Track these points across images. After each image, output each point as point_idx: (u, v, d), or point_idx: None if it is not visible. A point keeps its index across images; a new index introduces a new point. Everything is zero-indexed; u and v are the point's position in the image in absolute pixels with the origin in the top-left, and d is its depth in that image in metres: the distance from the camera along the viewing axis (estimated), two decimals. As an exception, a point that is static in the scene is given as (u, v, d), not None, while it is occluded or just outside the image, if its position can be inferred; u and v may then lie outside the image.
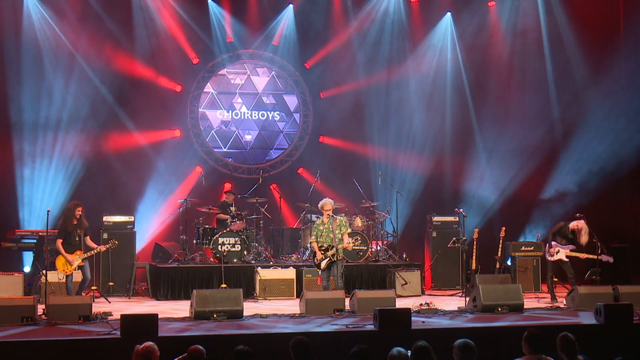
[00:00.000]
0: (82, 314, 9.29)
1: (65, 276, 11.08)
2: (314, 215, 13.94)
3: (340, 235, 10.99)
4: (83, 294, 11.43)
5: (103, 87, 14.81)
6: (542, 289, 13.80)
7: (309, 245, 11.31)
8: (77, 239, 11.06)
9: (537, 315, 10.03)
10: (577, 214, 12.73)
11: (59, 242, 11.05)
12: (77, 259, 10.97)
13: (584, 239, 12.00)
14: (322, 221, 11.19)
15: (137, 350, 6.07)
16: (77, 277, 11.62)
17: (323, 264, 10.93)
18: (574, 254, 12.07)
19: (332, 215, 11.15)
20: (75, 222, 11.11)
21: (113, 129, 14.98)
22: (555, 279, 13.39)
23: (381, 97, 16.54)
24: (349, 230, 11.41)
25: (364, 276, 13.26)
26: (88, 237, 11.29)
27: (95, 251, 11.23)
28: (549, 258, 12.24)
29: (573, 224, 12.13)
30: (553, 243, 12.17)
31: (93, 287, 12.29)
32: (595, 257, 11.98)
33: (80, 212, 11.17)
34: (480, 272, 12.77)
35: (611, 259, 12.10)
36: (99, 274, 13.03)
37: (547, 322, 9.24)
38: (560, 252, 12.09)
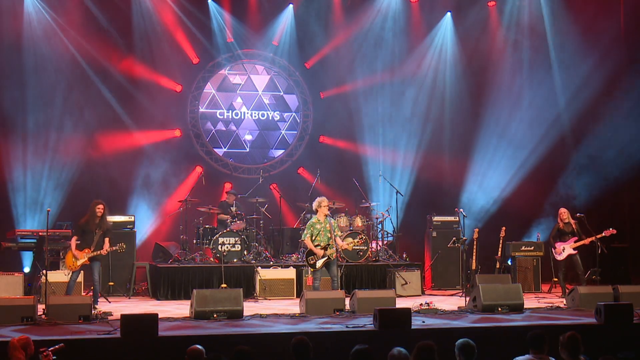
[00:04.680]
0: (82, 314, 9.28)
1: (70, 273, 11.05)
2: (314, 215, 13.93)
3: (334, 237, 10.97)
4: (84, 294, 11.43)
5: (103, 86, 14.82)
6: (542, 289, 13.83)
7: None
8: (94, 237, 10.96)
9: (537, 316, 10.02)
10: (577, 214, 12.82)
11: (74, 239, 11.02)
12: (83, 256, 10.92)
13: (572, 221, 12.76)
14: (319, 220, 11.12)
15: (14, 342, 6.24)
16: (81, 277, 11.59)
17: (319, 264, 10.91)
18: (579, 243, 12.63)
19: (329, 215, 11.16)
20: (96, 222, 11.04)
21: (113, 128, 14.98)
22: (556, 279, 13.44)
23: (381, 97, 16.53)
24: (340, 234, 11.44)
25: (364, 276, 13.26)
26: (107, 239, 11.10)
27: (102, 252, 11.09)
28: (559, 258, 12.82)
29: (561, 216, 12.83)
30: (556, 244, 12.62)
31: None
32: (600, 235, 12.42)
33: (100, 210, 11.06)
34: (480, 272, 12.79)
35: (614, 231, 12.61)
36: (99, 274, 12.99)
37: (547, 322, 9.23)
38: (566, 249, 12.64)
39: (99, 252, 10.98)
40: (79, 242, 10.99)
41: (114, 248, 11.17)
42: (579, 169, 15.71)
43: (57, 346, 6.50)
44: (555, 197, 15.64)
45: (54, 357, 6.29)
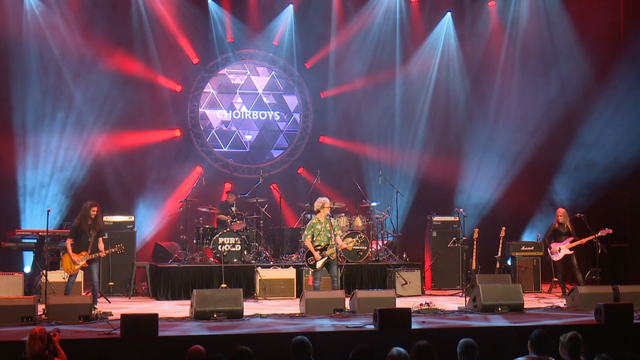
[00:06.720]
0: (82, 314, 9.29)
1: (68, 276, 11.04)
2: (314, 216, 13.93)
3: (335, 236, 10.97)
4: (84, 293, 11.40)
5: (103, 86, 14.81)
6: (542, 289, 13.83)
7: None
8: (89, 239, 10.92)
9: (537, 316, 10.02)
10: (577, 214, 12.82)
11: (69, 241, 10.91)
12: (81, 259, 10.89)
13: (568, 222, 12.76)
14: (319, 220, 11.13)
15: (34, 332, 6.52)
16: (80, 277, 11.60)
17: (320, 264, 10.90)
18: (575, 243, 12.57)
19: (329, 215, 11.17)
20: (90, 222, 10.99)
21: (113, 128, 14.96)
22: (556, 279, 13.44)
23: (381, 97, 16.54)
24: (340, 233, 11.45)
25: (364, 276, 13.26)
26: (101, 239, 11.08)
27: (101, 254, 11.04)
28: (555, 258, 12.76)
29: (557, 217, 12.77)
30: (552, 245, 12.59)
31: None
32: (596, 235, 12.42)
33: (95, 212, 11.00)
34: (480, 272, 12.79)
35: (610, 230, 12.55)
36: (99, 274, 12.99)
37: (547, 322, 9.23)
38: (562, 249, 12.53)
39: (96, 254, 10.94)
40: (73, 244, 10.93)
41: (112, 250, 11.13)
42: (574, 169, 15.68)
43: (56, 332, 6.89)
44: (553, 196, 15.64)
45: None
